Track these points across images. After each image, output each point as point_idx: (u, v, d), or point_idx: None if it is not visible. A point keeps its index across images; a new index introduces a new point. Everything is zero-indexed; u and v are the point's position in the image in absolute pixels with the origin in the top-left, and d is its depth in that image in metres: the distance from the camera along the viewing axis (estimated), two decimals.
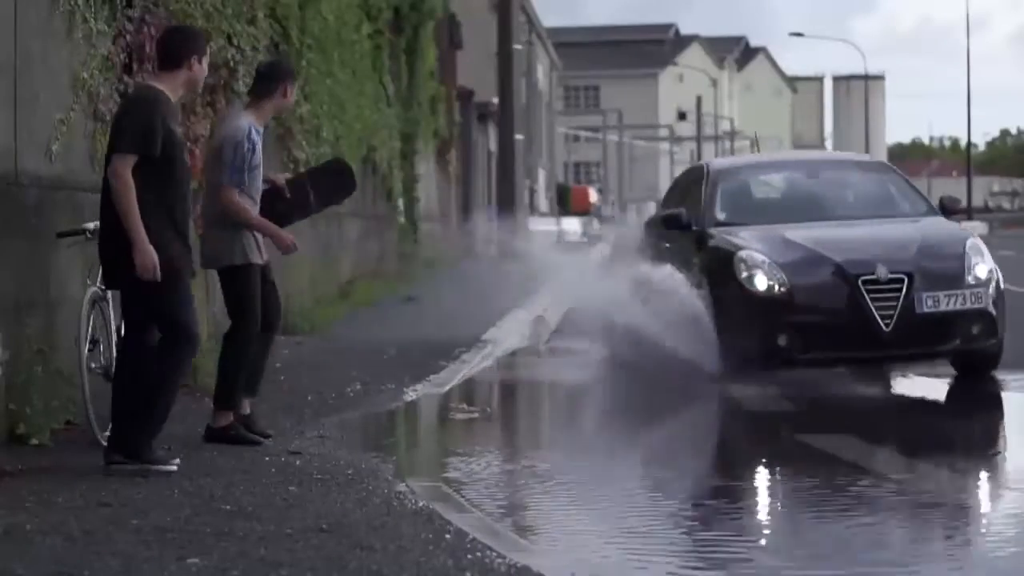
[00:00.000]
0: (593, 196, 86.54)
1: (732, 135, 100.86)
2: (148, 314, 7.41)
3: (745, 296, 11.22)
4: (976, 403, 11.07)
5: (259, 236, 8.44)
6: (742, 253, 11.39)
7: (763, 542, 6.56)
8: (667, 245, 12.79)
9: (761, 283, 11.19)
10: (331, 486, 7.19)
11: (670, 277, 11.94)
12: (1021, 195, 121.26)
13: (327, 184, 9.17)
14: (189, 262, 7.47)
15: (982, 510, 7.36)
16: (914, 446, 9.14)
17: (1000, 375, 11.50)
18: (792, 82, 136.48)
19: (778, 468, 8.48)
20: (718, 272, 11.57)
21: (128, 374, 7.45)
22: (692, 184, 13.31)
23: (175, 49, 7.51)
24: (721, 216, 12.30)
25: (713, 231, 12.05)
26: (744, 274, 11.26)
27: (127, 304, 7.55)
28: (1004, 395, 11.17)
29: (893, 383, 11.87)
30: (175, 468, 7.40)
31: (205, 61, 7.59)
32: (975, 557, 6.22)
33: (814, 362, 11.33)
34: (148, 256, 7.16)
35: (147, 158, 7.22)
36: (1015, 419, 10.58)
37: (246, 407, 8.56)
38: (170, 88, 7.45)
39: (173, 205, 7.34)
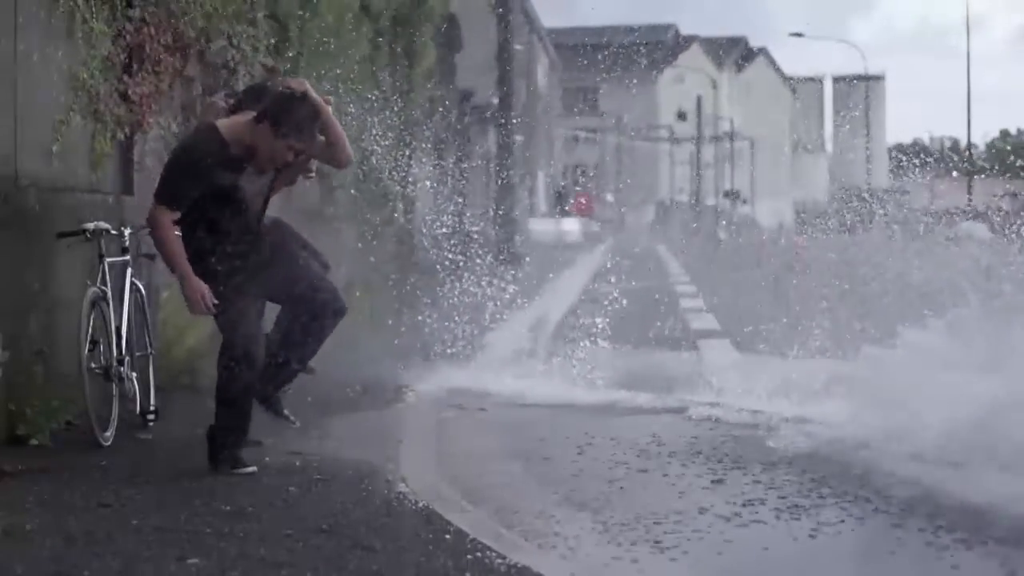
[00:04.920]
0: (592, 198, 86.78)
1: (732, 136, 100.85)
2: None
3: None
4: None
5: None
6: None
7: (766, 546, 6.57)
8: None
9: None
10: (331, 486, 7.19)
11: None
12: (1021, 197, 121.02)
13: None
14: (236, 288, 7.43)
15: None
16: None
17: None
18: (792, 83, 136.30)
19: (781, 472, 8.47)
20: None
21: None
22: None
23: (263, 106, 7.43)
24: None
25: None
26: None
27: None
28: None
29: None
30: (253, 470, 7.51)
31: (282, 141, 7.31)
32: None
33: None
34: (195, 290, 7.34)
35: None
36: None
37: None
38: (237, 132, 7.36)
39: (217, 245, 7.38)
